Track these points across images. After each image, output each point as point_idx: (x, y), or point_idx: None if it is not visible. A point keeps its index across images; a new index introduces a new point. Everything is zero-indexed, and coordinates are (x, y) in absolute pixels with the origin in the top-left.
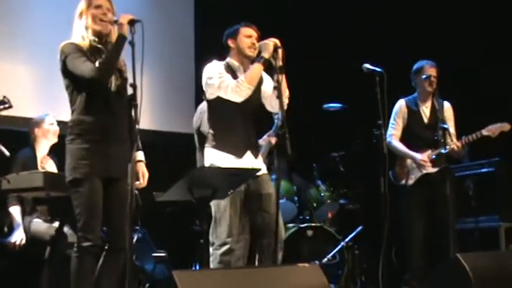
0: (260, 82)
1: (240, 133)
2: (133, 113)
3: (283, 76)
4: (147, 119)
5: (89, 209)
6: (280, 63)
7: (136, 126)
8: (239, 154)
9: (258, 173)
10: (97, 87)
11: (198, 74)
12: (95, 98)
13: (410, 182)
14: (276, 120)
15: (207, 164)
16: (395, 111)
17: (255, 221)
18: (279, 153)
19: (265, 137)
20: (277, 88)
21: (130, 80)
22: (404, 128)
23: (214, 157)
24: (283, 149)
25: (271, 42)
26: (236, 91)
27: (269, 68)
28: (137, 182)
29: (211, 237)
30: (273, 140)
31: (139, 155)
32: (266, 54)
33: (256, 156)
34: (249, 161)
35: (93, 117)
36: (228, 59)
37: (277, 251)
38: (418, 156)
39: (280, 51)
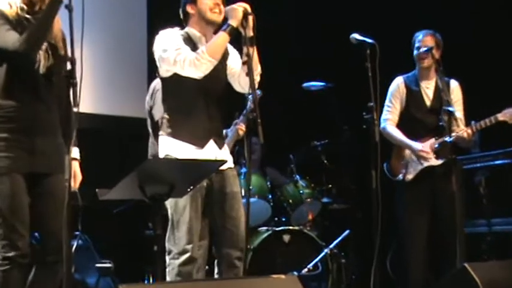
0: (225, 56)
1: (201, 118)
2: (71, 94)
3: (254, 49)
4: (89, 101)
5: (13, 211)
6: (250, 32)
7: (75, 110)
8: (200, 143)
9: (222, 167)
10: (22, 64)
11: (151, 46)
12: (19, 79)
13: (409, 176)
14: (248, 103)
15: (161, 154)
16: (391, 91)
17: (215, 225)
18: (250, 142)
19: (232, 126)
20: (247, 63)
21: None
22: (402, 112)
23: (169, 147)
24: (254, 137)
25: (240, 7)
26: (195, 64)
27: (237, 40)
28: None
29: (168, 243)
30: (241, 129)
31: (73, 152)
32: (233, 22)
33: (221, 146)
34: (212, 151)
35: (16, 102)
36: (187, 28)
37: (243, 261)
38: (417, 146)
39: (250, 18)
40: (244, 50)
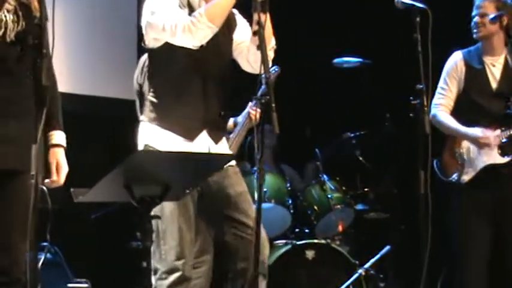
0: (232, 27)
1: (194, 103)
2: (43, 69)
3: (267, 16)
4: (64, 77)
5: None
6: None
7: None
8: (189, 135)
9: None
10: None
11: (141, 12)
12: None
13: (466, 177)
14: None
15: (139, 145)
16: (447, 70)
17: (221, 236)
18: (262, 131)
19: (246, 110)
20: (258, 33)
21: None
22: (460, 96)
23: (151, 136)
24: (268, 125)
25: None
26: (190, 29)
27: (246, 8)
28: (48, 180)
29: (153, 260)
30: (253, 115)
31: (57, 137)
32: None
33: (217, 140)
34: (204, 146)
35: None
36: None
37: (258, 280)
38: (476, 132)
39: None
40: (255, 17)
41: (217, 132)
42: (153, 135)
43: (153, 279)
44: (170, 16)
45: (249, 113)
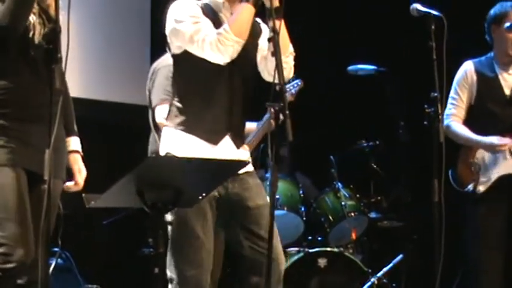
0: (257, 34)
1: (219, 108)
2: (56, 73)
3: (281, 22)
4: (76, 83)
5: (15, 210)
6: (276, 2)
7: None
8: (213, 139)
9: (241, 171)
10: (8, 37)
11: (154, 21)
12: (8, 53)
13: (481, 188)
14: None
15: (161, 151)
16: (457, 80)
17: (238, 248)
18: (276, 139)
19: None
20: (273, 40)
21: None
22: (473, 105)
23: (174, 141)
24: (281, 134)
25: None
26: (218, 48)
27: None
28: (69, 183)
29: (169, 269)
30: (273, 121)
31: (74, 143)
32: None
33: (238, 145)
34: (227, 151)
35: (6, 81)
36: None
37: None
38: (491, 139)
39: None
40: (270, 24)
41: (240, 137)
42: (176, 141)
43: (170, 287)
44: (197, 28)
45: (268, 118)
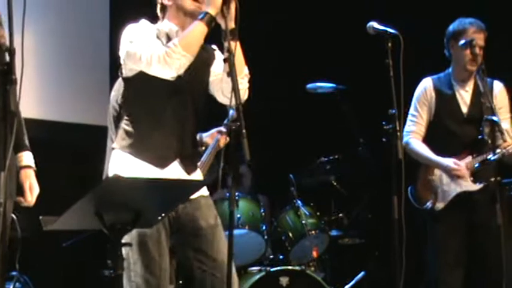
0: (209, 61)
1: (169, 131)
2: (11, 94)
3: (237, 43)
4: (34, 104)
5: None
6: (232, 24)
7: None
8: (161, 163)
9: (195, 195)
10: None
11: (113, 43)
12: None
13: (440, 205)
14: (231, 110)
15: (110, 173)
16: (416, 97)
17: (190, 270)
18: (234, 158)
19: (213, 131)
20: (229, 60)
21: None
22: (432, 122)
23: (121, 164)
24: (239, 153)
25: None
26: (165, 60)
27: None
28: (20, 198)
29: None
30: (222, 140)
31: (26, 158)
32: (211, 9)
33: (189, 170)
34: (174, 173)
35: None
36: (164, 21)
37: None
38: (447, 162)
39: (233, 5)
40: (225, 44)
41: (189, 163)
42: (123, 164)
43: None
44: (146, 47)
45: (217, 139)
